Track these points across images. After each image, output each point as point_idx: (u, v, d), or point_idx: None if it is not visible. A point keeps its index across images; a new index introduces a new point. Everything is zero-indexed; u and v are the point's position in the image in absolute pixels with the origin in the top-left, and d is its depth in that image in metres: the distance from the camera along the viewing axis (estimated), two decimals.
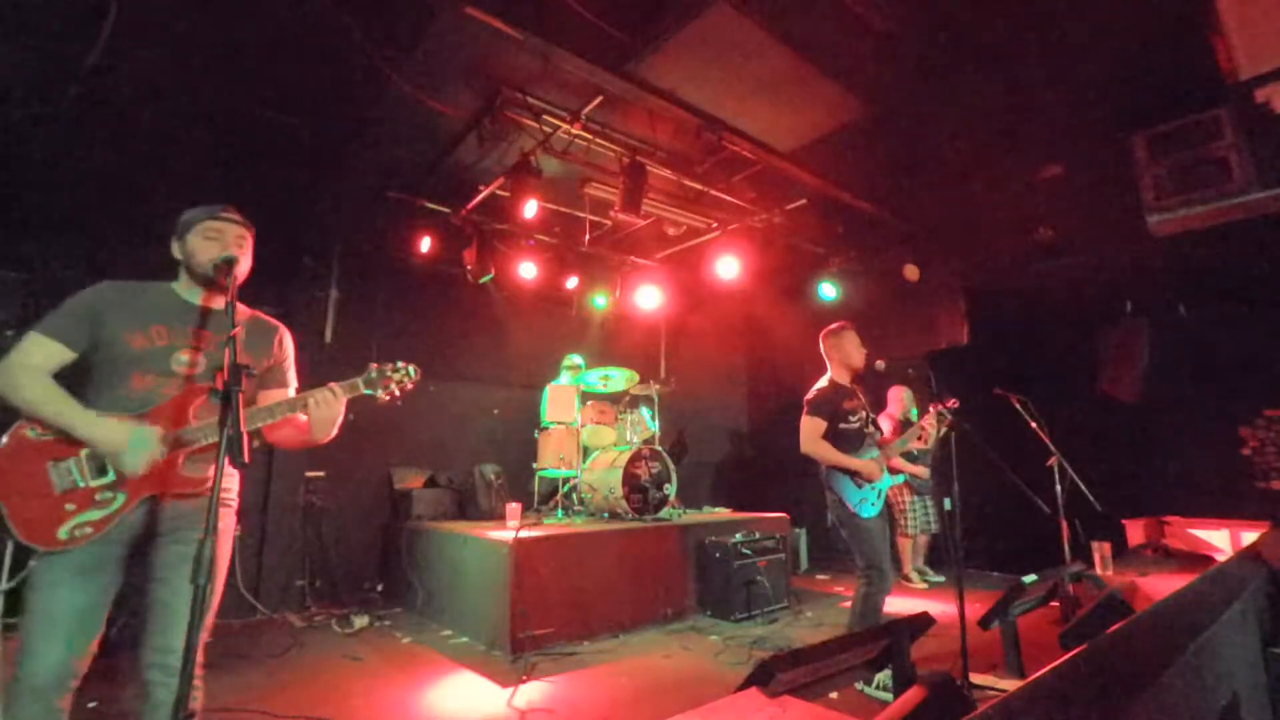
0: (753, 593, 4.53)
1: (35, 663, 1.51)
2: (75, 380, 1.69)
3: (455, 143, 4.76)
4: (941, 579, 5.78)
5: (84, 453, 1.61)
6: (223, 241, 1.81)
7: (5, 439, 1.60)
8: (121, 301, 1.75)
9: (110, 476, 1.63)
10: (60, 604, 1.57)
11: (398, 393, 1.99)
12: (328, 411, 1.87)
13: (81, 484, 1.60)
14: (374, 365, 1.97)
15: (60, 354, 1.67)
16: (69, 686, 1.58)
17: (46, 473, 1.59)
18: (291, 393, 2.02)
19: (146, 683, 1.64)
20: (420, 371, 2.03)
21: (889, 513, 5.80)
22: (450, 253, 5.85)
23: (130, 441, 1.60)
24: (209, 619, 1.76)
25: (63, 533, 1.57)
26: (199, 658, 1.69)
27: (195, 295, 1.85)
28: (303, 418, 1.89)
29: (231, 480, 1.88)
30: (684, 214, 5.90)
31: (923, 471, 5.54)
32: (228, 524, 1.86)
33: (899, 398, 5.82)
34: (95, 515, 1.61)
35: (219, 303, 1.84)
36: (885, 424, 5.60)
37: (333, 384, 1.87)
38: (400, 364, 2.00)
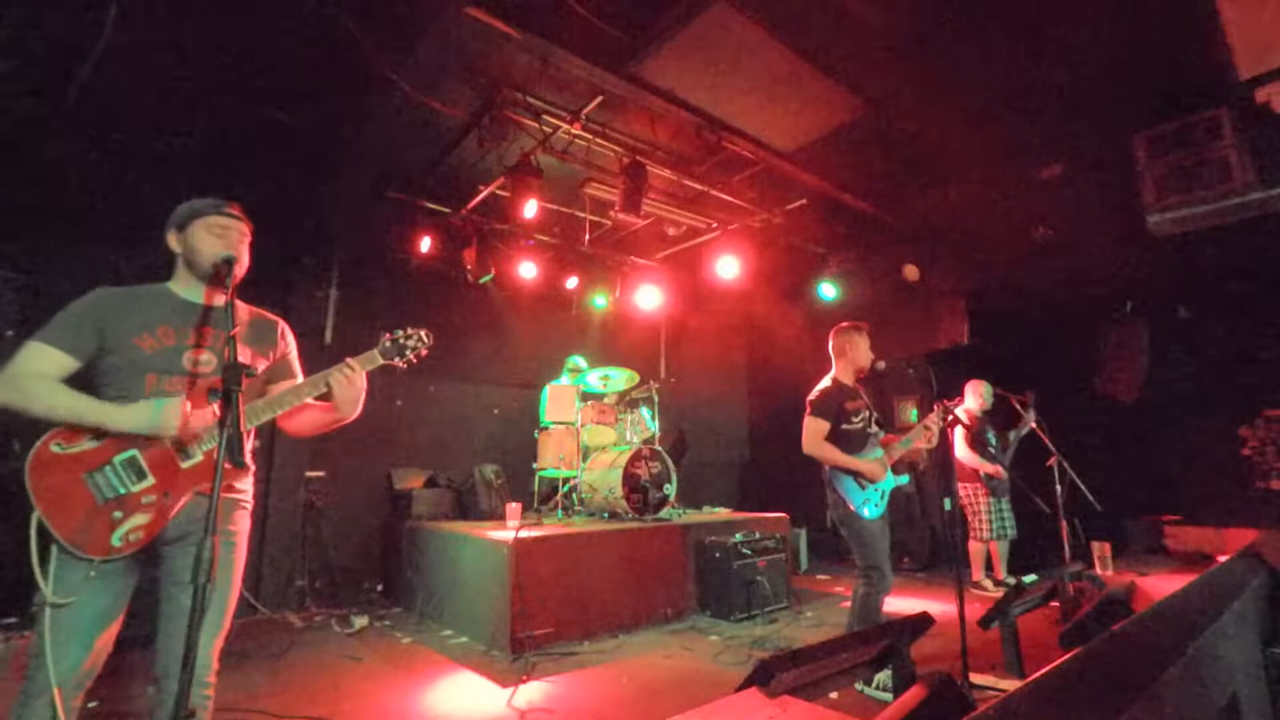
0: (753, 593, 4.53)
1: (57, 663, 1.51)
2: (82, 389, 1.67)
3: (455, 143, 4.75)
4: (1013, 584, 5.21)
5: (118, 460, 1.60)
6: (228, 239, 1.81)
7: (31, 456, 1.57)
8: (123, 306, 1.74)
9: (151, 480, 1.62)
10: (87, 606, 1.57)
11: (413, 359, 1.99)
12: (350, 390, 1.86)
13: (124, 490, 1.60)
14: (387, 335, 1.97)
15: (64, 362, 1.64)
16: (85, 686, 1.60)
17: (84, 484, 1.57)
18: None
19: (163, 688, 1.64)
20: (431, 335, 2.03)
21: (961, 515, 5.27)
22: (450, 253, 5.85)
23: (152, 414, 1.60)
24: (226, 623, 1.75)
25: (116, 539, 1.57)
26: (214, 664, 1.69)
27: (194, 293, 1.84)
28: (311, 399, 1.88)
29: (246, 481, 1.88)
30: (684, 214, 5.90)
31: (997, 470, 5.12)
32: (244, 526, 1.85)
33: (978, 392, 5.35)
34: (144, 519, 1.61)
35: (219, 300, 1.84)
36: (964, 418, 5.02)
37: (349, 359, 1.86)
38: (411, 329, 2.00)
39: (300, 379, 2.02)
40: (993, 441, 5.21)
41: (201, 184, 2.22)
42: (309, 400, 1.85)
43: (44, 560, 1.53)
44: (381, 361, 1.95)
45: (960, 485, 5.26)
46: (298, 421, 1.93)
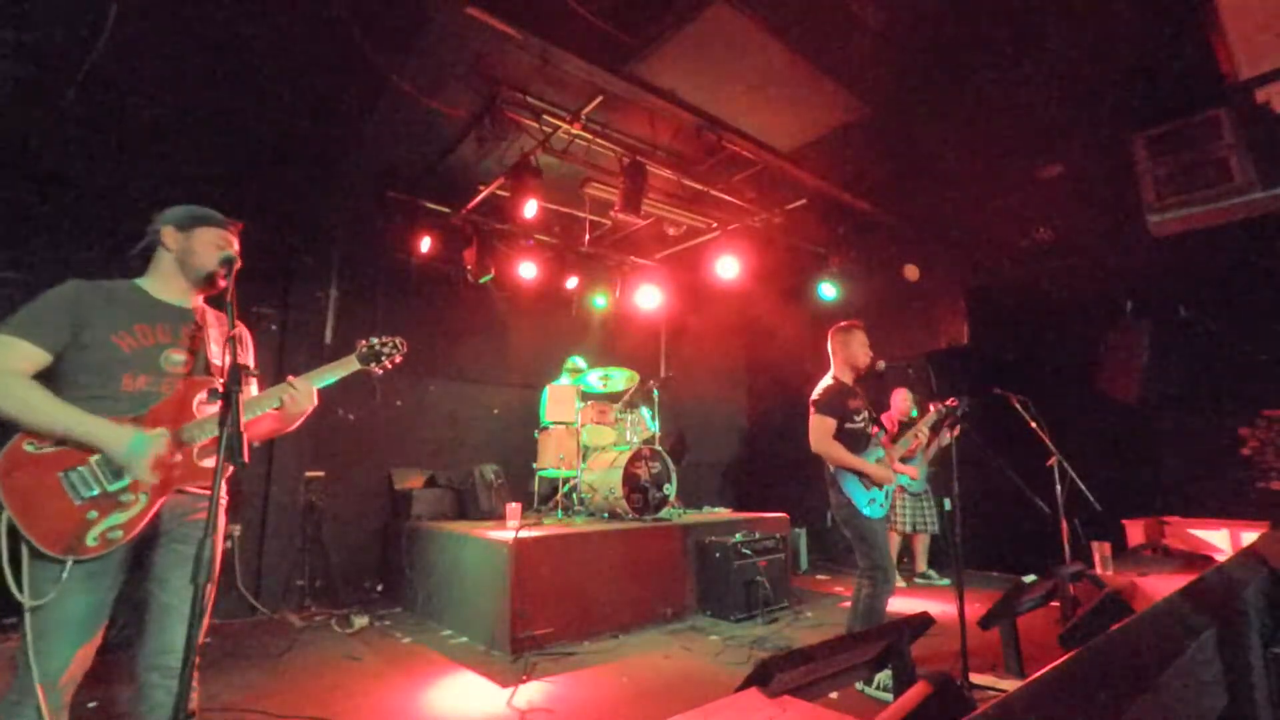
0: (753, 593, 4.53)
1: (49, 663, 1.51)
2: (49, 384, 1.63)
3: (455, 143, 4.75)
4: (946, 581, 5.80)
5: (94, 459, 1.59)
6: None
7: (2, 456, 1.54)
8: (100, 302, 1.73)
9: (129, 479, 1.62)
10: (75, 606, 1.57)
11: (388, 365, 2.06)
12: (306, 404, 1.91)
13: (98, 490, 1.59)
14: (362, 342, 2.04)
15: (36, 357, 1.62)
16: (77, 683, 1.60)
17: (59, 484, 1.56)
18: (254, 389, 2.02)
19: (144, 684, 1.64)
20: (406, 343, 2.10)
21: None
22: (450, 253, 5.85)
23: (131, 444, 1.60)
24: (206, 619, 1.77)
25: (91, 539, 1.56)
26: (194, 658, 1.70)
27: (174, 293, 1.85)
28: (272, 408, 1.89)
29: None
30: (684, 214, 5.90)
31: (912, 471, 5.61)
32: (222, 523, 1.87)
33: (902, 399, 5.92)
34: (122, 518, 1.61)
35: (199, 301, 1.90)
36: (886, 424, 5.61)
37: (291, 378, 1.88)
38: (386, 337, 2.07)
39: (254, 384, 2.03)
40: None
41: (203, 184, 2.23)
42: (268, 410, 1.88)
43: (16, 562, 1.52)
44: (359, 366, 2.01)
45: None
46: (255, 429, 1.93)
